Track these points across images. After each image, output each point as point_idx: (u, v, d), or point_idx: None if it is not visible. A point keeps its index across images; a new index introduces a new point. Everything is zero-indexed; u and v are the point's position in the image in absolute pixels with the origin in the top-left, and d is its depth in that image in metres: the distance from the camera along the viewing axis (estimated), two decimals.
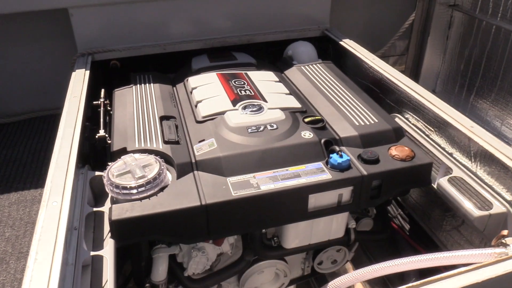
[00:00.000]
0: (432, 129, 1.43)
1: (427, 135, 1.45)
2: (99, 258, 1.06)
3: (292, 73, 1.80)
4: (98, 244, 1.11)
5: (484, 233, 1.19)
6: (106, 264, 1.03)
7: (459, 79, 2.12)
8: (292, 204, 1.20)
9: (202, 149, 1.28)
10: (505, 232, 1.07)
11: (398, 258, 1.63)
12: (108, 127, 1.48)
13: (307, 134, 1.32)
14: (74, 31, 1.81)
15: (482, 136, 1.23)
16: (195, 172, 1.22)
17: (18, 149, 1.94)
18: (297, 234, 1.34)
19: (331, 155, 1.25)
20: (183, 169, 1.22)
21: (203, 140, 1.32)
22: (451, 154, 1.35)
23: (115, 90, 1.65)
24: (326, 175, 1.21)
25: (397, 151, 1.30)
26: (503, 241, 1.07)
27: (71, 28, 1.81)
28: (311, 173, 1.22)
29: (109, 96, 1.65)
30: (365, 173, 1.22)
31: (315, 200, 1.22)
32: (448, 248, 1.45)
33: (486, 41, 1.93)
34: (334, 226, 1.37)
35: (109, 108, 1.59)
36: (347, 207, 1.28)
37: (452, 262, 1.08)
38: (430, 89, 2.32)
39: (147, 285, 1.25)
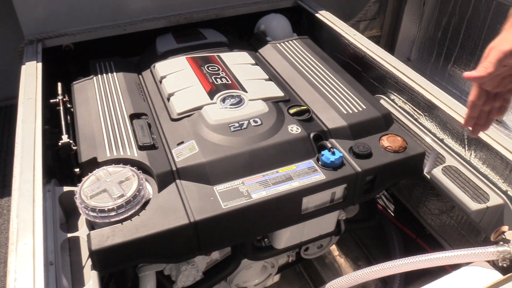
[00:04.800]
0: (421, 113, 1.38)
1: (415, 119, 1.39)
2: None
3: (267, 51, 1.67)
4: (78, 275, 1.00)
5: (479, 224, 1.17)
6: None
7: (436, 48, 2.06)
8: (285, 209, 1.13)
9: (183, 154, 1.16)
10: (505, 228, 1.05)
11: (384, 239, 1.64)
12: (72, 130, 1.32)
13: (294, 129, 1.23)
14: (18, 13, 1.57)
15: None
16: (178, 181, 1.11)
17: None
18: (288, 235, 1.28)
19: (322, 152, 1.17)
20: (164, 180, 1.11)
21: (182, 142, 1.20)
22: (442, 140, 1.30)
23: (74, 82, 1.47)
24: (320, 176, 1.14)
25: (389, 142, 1.23)
26: (503, 236, 1.05)
27: (13, 9, 1.57)
28: (303, 174, 1.14)
29: (67, 90, 1.47)
30: (359, 169, 1.16)
31: (308, 202, 1.15)
32: (436, 230, 1.44)
33: (466, 9, 1.86)
34: (325, 222, 1.33)
35: (69, 105, 1.41)
36: (340, 205, 1.22)
37: (454, 262, 1.06)
38: (405, 57, 2.26)
39: None
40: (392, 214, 1.62)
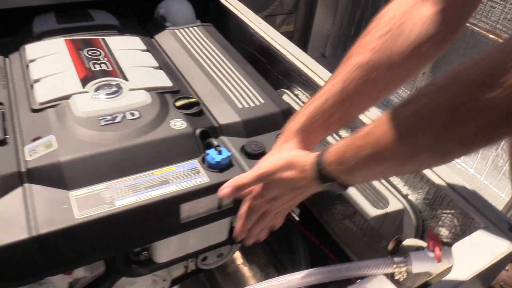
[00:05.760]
0: None
1: None
2: None
3: (163, 38, 1.49)
4: None
5: (379, 231, 1.08)
6: None
7: (350, 44, 1.98)
8: (160, 219, 0.96)
9: (37, 152, 0.95)
10: (403, 236, 0.96)
11: (291, 245, 1.53)
12: None
13: (178, 123, 1.07)
14: None
15: None
16: (26, 185, 0.90)
17: None
18: (169, 248, 1.11)
19: (207, 152, 1.01)
20: (7, 184, 0.89)
21: (39, 137, 0.99)
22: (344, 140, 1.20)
23: None
24: (202, 178, 0.98)
25: None
26: (401, 245, 0.95)
27: None
28: (183, 176, 0.98)
29: None
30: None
31: (189, 209, 0.99)
32: (339, 236, 1.34)
33: (378, 4, 1.80)
34: (215, 231, 1.17)
35: None
36: (230, 211, 1.07)
37: (353, 275, 0.95)
38: (319, 54, 2.17)
39: None
40: (297, 219, 1.51)
